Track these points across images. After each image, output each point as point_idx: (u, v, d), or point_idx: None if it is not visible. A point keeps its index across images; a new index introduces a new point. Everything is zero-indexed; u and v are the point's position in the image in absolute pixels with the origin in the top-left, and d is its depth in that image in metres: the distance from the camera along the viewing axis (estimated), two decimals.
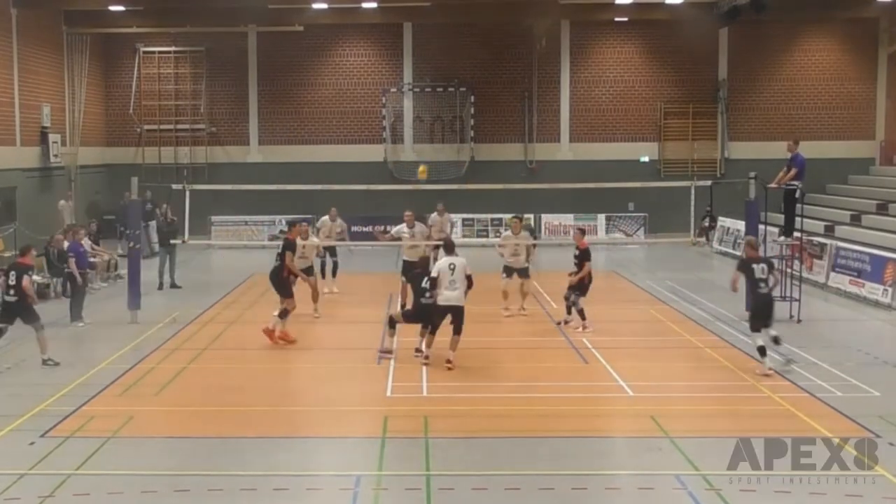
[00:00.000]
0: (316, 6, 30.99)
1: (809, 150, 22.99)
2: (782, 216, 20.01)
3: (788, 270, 19.30)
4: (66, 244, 20.12)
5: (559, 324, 17.85)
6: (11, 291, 14.99)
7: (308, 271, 18.80)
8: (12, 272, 15.10)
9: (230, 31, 33.91)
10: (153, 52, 35.18)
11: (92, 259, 23.49)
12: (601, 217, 33.65)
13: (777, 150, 22.46)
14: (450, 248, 15.40)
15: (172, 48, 35.04)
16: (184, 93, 35.13)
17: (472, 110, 34.55)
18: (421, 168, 22.68)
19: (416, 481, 9.77)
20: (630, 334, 17.49)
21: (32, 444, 10.98)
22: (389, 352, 15.41)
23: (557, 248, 31.51)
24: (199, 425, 11.96)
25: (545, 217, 33.47)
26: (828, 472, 9.95)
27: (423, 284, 15.06)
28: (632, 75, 34.97)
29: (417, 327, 17.53)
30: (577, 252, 17.62)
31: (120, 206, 29.20)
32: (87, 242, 23.86)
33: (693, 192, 19.53)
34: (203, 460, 10.52)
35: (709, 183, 23.49)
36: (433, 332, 14.88)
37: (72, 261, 18.72)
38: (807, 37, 34.82)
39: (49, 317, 18.98)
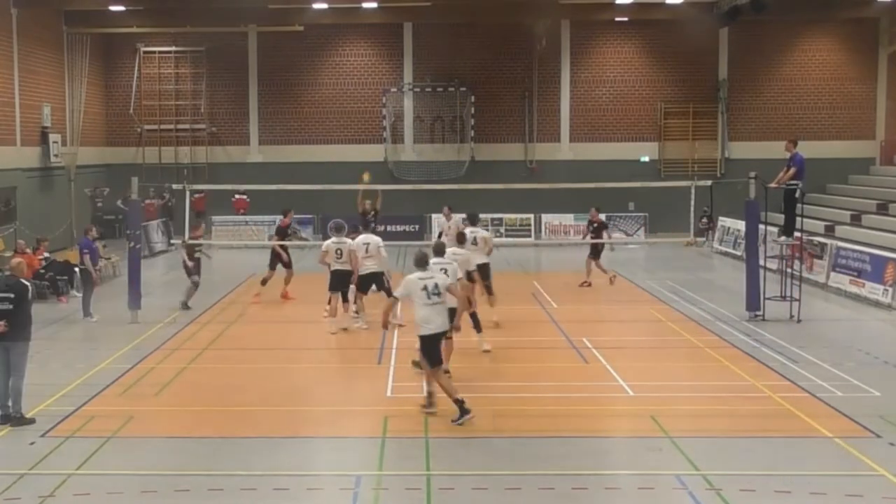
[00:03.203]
0: (316, 6, 31.02)
1: (810, 150, 23.01)
2: (782, 216, 20.00)
3: (789, 270, 19.30)
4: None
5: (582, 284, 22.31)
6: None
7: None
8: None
9: (230, 31, 33.94)
10: (153, 52, 35.21)
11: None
12: (601, 217, 33.55)
13: (777, 150, 22.44)
14: None
15: (172, 48, 35.07)
16: (184, 93, 35.15)
17: (472, 110, 34.57)
18: (366, 176, 23.20)
19: (416, 481, 9.77)
20: (630, 334, 17.50)
21: (32, 444, 10.98)
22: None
23: (558, 247, 31.58)
24: (200, 425, 11.95)
25: (545, 217, 33.46)
26: (828, 472, 9.97)
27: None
28: (632, 75, 34.99)
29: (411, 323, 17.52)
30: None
31: (124, 205, 29.25)
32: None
33: (693, 192, 19.52)
34: (203, 460, 10.51)
35: (709, 183, 23.49)
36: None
37: (86, 256, 18.85)
38: (807, 37, 34.83)
39: (60, 313, 19.11)
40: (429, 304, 11.65)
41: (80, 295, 21.44)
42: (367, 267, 17.43)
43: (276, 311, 19.99)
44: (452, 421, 11.51)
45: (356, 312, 17.77)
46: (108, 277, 24.30)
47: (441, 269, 12.55)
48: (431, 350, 11.71)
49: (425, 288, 11.66)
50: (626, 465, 10.60)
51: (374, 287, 17.92)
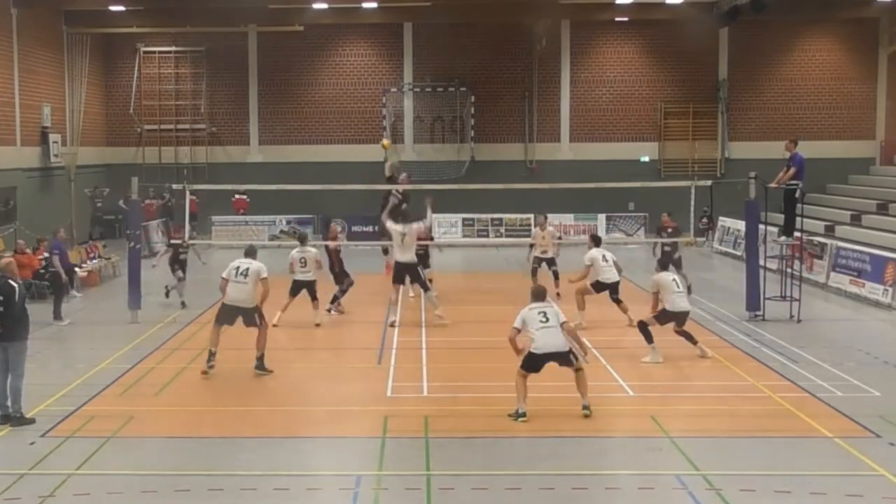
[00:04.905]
0: (316, 6, 31.02)
1: (810, 150, 23.01)
2: (782, 216, 20.00)
3: (789, 270, 19.30)
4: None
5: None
6: None
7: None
8: None
9: (230, 31, 33.96)
10: (153, 52, 35.22)
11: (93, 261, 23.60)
12: (601, 217, 33.59)
13: (777, 150, 22.45)
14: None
15: (172, 48, 35.08)
16: (184, 93, 35.15)
17: (472, 110, 34.57)
18: (385, 142, 25.99)
19: (416, 481, 9.77)
20: (630, 334, 17.46)
21: (32, 444, 10.98)
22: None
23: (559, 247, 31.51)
24: (200, 425, 11.96)
25: None
26: (828, 472, 9.97)
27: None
28: (632, 75, 34.99)
29: (416, 314, 17.50)
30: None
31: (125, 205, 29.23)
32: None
33: (693, 192, 19.52)
34: (203, 460, 10.51)
35: (709, 183, 23.51)
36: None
37: (55, 258, 18.70)
38: (807, 37, 34.84)
39: (44, 316, 19.04)
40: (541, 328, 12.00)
41: (79, 295, 21.46)
42: (402, 258, 17.78)
43: (276, 311, 19.94)
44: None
45: (394, 303, 18.11)
46: (108, 277, 24.36)
47: (540, 312, 12.27)
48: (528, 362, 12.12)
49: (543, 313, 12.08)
50: (626, 465, 10.59)
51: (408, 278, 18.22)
